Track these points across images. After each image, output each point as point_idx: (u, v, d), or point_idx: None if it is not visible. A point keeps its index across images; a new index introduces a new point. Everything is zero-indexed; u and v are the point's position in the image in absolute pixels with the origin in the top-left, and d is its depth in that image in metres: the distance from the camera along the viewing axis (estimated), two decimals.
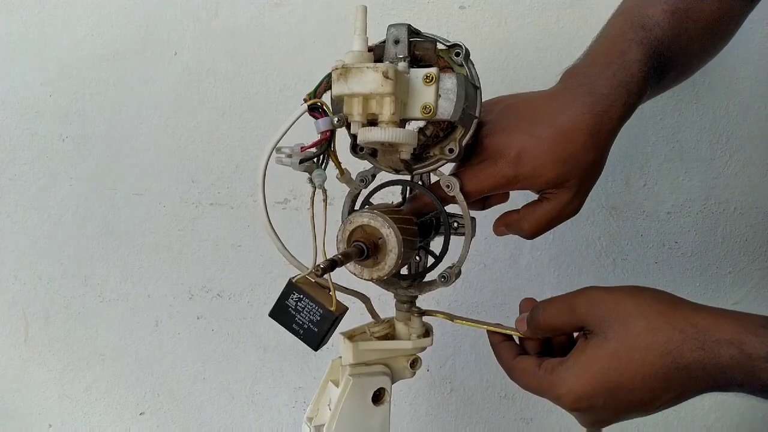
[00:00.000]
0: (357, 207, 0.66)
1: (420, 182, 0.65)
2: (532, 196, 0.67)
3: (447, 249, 0.64)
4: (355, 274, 0.59)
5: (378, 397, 0.68)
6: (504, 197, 0.71)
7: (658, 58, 0.63)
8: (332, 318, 0.59)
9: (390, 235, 0.56)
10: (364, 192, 0.66)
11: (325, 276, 0.58)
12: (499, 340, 0.66)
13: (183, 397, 1.07)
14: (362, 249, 0.56)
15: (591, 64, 0.64)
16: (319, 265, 0.53)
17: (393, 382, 0.69)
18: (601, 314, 0.56)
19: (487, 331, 0.67)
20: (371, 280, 0.59)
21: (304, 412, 0.70)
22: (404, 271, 0.67)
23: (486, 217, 0.96)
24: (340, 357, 0.68)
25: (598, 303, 0.57)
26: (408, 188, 0.66)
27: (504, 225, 0.68)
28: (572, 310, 0.59)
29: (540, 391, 0.60)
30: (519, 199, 0.70)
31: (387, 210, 0.59)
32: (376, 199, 0.67)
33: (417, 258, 0.68)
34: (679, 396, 0.55)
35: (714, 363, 0.52)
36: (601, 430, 0.63)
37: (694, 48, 0.67)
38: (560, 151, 0.61)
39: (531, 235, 0.66)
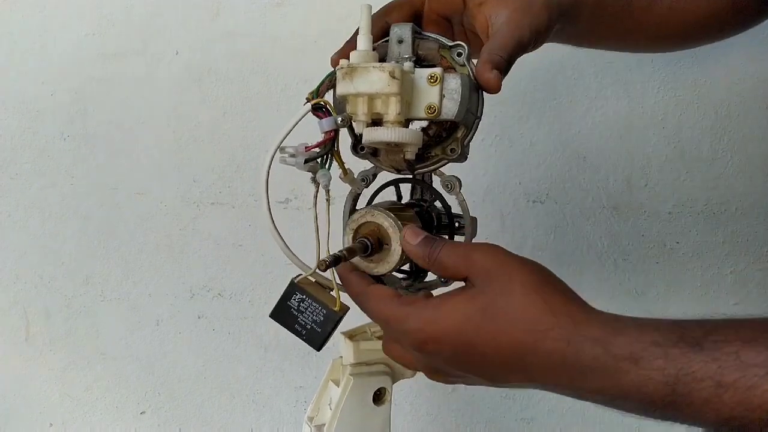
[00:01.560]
0: (358, 206, 0.66)
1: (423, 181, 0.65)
2: None
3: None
4: (365, 270, 0.60)
5: (379, 396, 0.68)
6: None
7: None
8: (336, 318, 0.59)
9: (394, 231, 0.58)
10: (366, 192, 0.66)
11: (329, 276, 0.59)
12: (350, 269, 0.60)
13: (184, 396, 1.07)
14: (367, 245, 0.58)
15: None
16: (323, 259, 0.54)
17: (394, 381, 0.69)
18: (489, 269, 0.53)
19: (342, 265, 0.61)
20: (376, 276, 0.60)
21: (304, 411, 0.70)
22: (405, 269, 0.67)
23: (487, 217, 0.96)
24: (341, 357, 0.68)
25: (492, 256, 0.54)
26: (412, 186, 0.67)
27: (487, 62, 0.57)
28: (467, 256, 0.55)
29: (391, 320, 0.55)
30: None
31: (391, 207, 0.60)
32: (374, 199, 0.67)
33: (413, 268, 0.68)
34: (530, 380, 0.51)
35: (575, 360, 0.48)
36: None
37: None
38: None
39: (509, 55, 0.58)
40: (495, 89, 0.56)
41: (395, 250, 0.58)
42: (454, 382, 0.58)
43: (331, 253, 0.56)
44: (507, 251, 0.55)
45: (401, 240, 0.58)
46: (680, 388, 0.46)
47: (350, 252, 0.56)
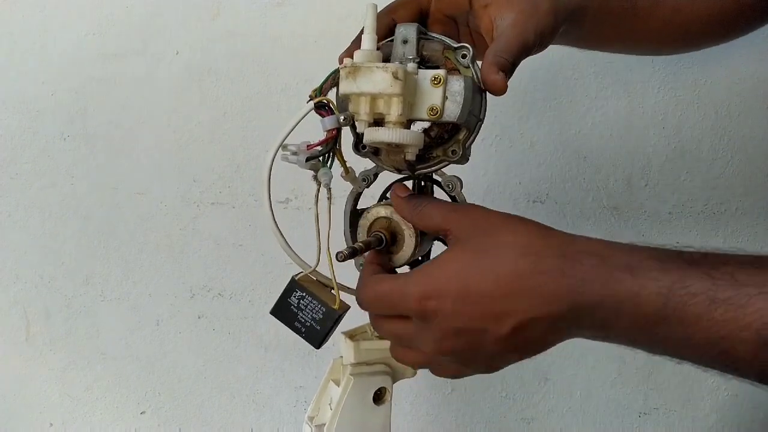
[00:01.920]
0: (359, 205, 0.66)
1: (422, 183, 0.65)
2: None
3: None
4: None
5: (379, 396, 0.68)
6: None
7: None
8: (335, 316, 0.59)
9: (407, 226, 0.60)
10: (377, 188, 0.67)
11: (329, 274, 0.60)
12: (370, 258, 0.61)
13: (184, 396, 1.07)
14: (381, 238, 0.59)
15: None
16: (341, 251, 0.56)
17: (394, 381, 0.69)
18: (471, 218, 0.54)
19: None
20: (400, 266, 0.62)
21: (305, 411, 0.70)
22: (405, 269, 0.67)
23: None
24: (341, 356, 0.68)
25: (475, 210, 0.56)
26: (418, 182, 0.67)
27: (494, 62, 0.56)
28: (451, 211, 0.57)
29: (390, 294, 0.54)
30: None
31: None
32: (375, 198, 0.67)
33: (419, 258, 0.68)
34: (533, 309, 0.49)
35: (573, 270, 0.48)
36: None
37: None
38: None
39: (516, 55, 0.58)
40: (501, 91, 0.55)
41: (408, 244, 0.60)
42: (466, 369, 0.57)
43: (348, 245, 0.58)
44: (485, 207, 0.56)
45: (391, 193, 0.61)
46: (673, 300, 0.46)
47: (366, 245, 0.58)
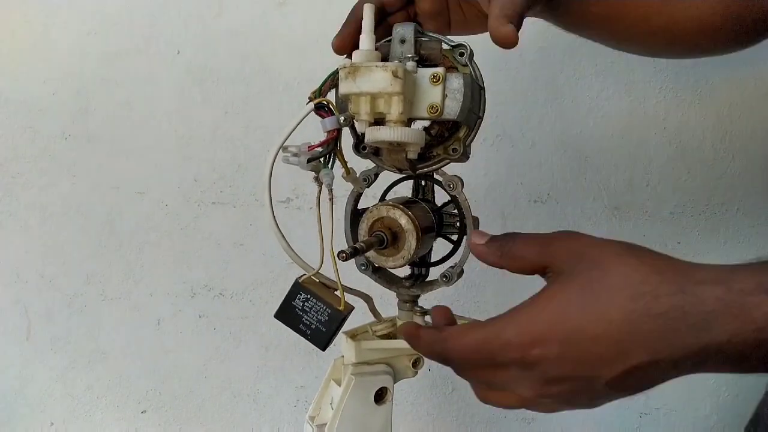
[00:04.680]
0: (361, 205, 0.66)
1: (423, 183, 0.65)
2: None
3: (461, 241, 0.65)
4: (382, 265, 0.61)
5: (380, 396, 0.68)
6: None
7: None
8: (341, 317, 0.59)
9: (404, 219, 0.59)
10: (377, 188, 0.66)
11: (333, 275, 0.59)
12: (415, 326, 0.56)
13: (185, 395, 1.07)
14: (383, 238, 0.59)
15: None
16: (343, 251, 0.55)
17: (395, 381, 0.69)
18: (575, 250, 0.48)
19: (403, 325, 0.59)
20: (391, 267, 0.62)
21: (306, 411, 0.70)
22: (407, 269, 0.67)
23: (488, 217, 0.96)
24: (343, 356, 0.68)
25: (574, 242, 0.49)
26: (420, 183, 0.67)
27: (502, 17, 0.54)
28: (545, 245, 0.50)
29: (483, 345, 0.48)
30: None
31: (405, 202, 0.62)
32: (376, 198, 0.67)
33: (418, 260, 0.68)
34: (651, 360, 0.44)
35: (697, 308, 0.42)
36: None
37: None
38: None
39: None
40: (512, 43, 0.52)
41: (409, 244, 0.59)
42: (564, 404, 0.50)
43: (350, 245, 0.58)
44: (586, 234, 0.50)
45: (468, 244, 0.57)
46: None
47: (368, 245, 0.58)
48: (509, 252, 0.52)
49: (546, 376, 0.47)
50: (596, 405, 0.49)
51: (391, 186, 0.67)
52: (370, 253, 0.60)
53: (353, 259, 0.59)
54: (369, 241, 0.59)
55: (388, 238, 0.59)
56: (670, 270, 0.45)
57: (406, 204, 0.61)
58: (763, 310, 0.41)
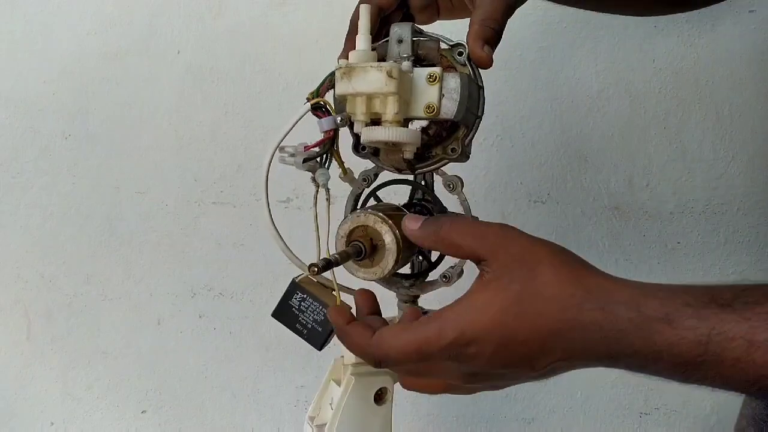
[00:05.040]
0: (359, 206, 0.66)
1: (423, 182, 0.65)
2: None
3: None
4: (351, 273, 0.58)
5: (380, 396, 0.68)
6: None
7: None
8: None
9: (388, 236, 0.56)
10: (366, 191, 0.66)
11: (329, 275, 0.58)
12: (345, 321, 0.56)
13: (185, 395, 1.07)
14: (360, 249, 0.56)
15: None
16: (314, 264, 0.52)
17: (395, 381, 0.69)
18: (512, 253, 0.52)
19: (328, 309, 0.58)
20: (369, 280, 0.58)
21: (305, 411, 0.70)
22: (407, 269, 0.67)
23: (488, 217, 0.96)
24: (342, 356, 0.67)
25: (512, 240, 0.53)
26: (420, 183, 0.66)
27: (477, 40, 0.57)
28: (483, 236, 0.53)
29: (424, 344, 0.51)
30: None
31: (388, 210, 0.59)
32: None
33: (419, 258, 0.68)
34: (567, 358, 0.51)
35: (611, 325, 0.48)
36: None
37: None
38: None
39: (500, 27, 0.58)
40: (487, 65, 0.56)
41: (386, 262, 0.56)
42: (484, 389, 0.57)
43: (322, 257, 0.54)
44: (521, 231, 0.54)
45: (404, 229, 0.56)
46: (712, 347, 0.46)
47: (343, 256, 0.55)
48: (443, 238, 0.55)
49: (476, 370, 0.52)
50: (511, 385, 0.57)
51: (384, 185, 0.65)
52: (348, 266, 0.57)
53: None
54: (345, 252, 0.55)
55: (366, 250, 0.56)
56: (594, 286, 0.50)
57: (391, 210, 0.59)
58: (664, 336, 0.47)
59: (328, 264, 0.53)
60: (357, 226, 0.57)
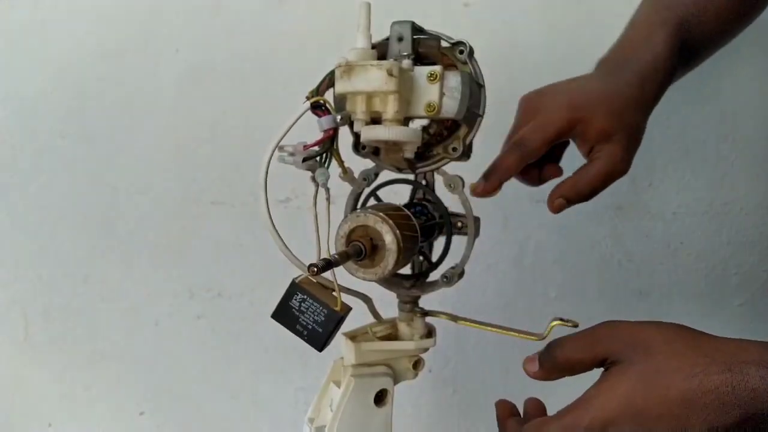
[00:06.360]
0: (359, 205, 0.66)
1: (424, 182, 0.64)
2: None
3: (447, 251, 0.63)
4: (351, 273, 0.57)
5: (380, 398, 0.68)
6: (557, 170, 0.75)
7: (683, 35, 0.70)
8: (337, 318, 0.58)
9: (389, 236, 0.55)
10: (366, 190, 0.66)
11: (329, 276, 0.57)
12: (507, 416, 0.64)
13: (183, 397, 1.07)
14: (360, 249, 0.55)
15: (621, 50, 0.73)
16: (314, 264, 0.51)
17: (395, 383, 0.69)
18: (625, 341, 0.55)
19: (496, 406, 0.66)
20: (369, 280, 0.57)
21: (305, 412, 0.70)
22: (407, 270, 0.66)
23: (490, 217, 0.95)
24: (342, 358, 0.67)
25: (621, 332, 0.56)
26: (421, 182, 0.66)
27: (560, 195, 0.69)
28: (594, 342, 0.57)
29: (565, 425, 0.55)
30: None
31: (389, 210, 0.58)
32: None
33: (420, 258, 0.67)
34: (707, 424, 0.51)
35: (743, 384, 0.50)
36: None
37: (718, 23, 0.74)
38: (609, 103, 0.67)
39: (590, 193, 0.69)
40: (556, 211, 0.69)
41: (386, 262, 0.55)
42: None
43: (322, 258, 0.53)
44: (625, 320, 0.57)
45: (527, 374, 0.60)
46: None
47: (343, 256, 0.54)
48: (563, 363, 0.58)
49: None
50: None
51: (385, 184, 0.65)
52: (348, 265, 0.57)
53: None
54: (345, 252, 0.55)
55: (366, 250, 0.55)
56: (714, 350, 0.52)
57: (392, 210, 0.58)
58: None
59: (328, 264, 0.52)
60: (357, 226, 0.56)
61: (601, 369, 0.57)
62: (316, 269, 0.51)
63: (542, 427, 0.56)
